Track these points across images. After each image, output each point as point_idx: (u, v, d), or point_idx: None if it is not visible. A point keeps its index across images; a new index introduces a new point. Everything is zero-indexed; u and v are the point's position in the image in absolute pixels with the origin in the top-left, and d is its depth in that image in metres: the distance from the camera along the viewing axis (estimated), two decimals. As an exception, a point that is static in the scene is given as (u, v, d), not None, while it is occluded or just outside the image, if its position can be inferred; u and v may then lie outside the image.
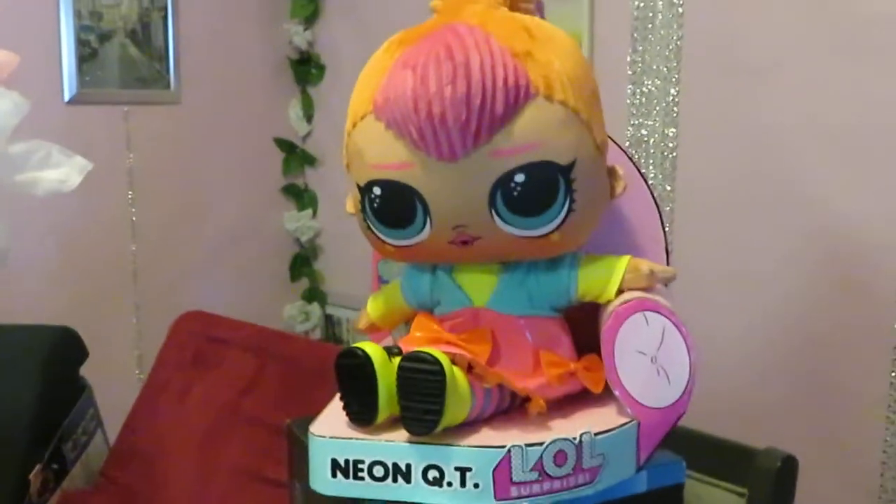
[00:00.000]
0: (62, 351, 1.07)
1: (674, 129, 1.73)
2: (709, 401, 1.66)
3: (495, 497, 0.63)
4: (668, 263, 0.79)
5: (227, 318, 1.15)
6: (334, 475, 0.66)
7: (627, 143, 1.78)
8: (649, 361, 0.67)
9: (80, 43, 1.94)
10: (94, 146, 2.03)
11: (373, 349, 0.65)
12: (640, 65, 1.77)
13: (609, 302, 0.70)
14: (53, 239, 1.98)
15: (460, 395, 0.64)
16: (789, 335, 1.59)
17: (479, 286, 0.71)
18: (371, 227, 0.69)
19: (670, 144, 1.74)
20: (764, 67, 1.57)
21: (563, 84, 0.65)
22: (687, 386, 0.67)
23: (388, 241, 0.69)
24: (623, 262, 0.70)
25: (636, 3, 1.74)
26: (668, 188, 1.76)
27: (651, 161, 1.79)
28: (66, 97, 1.95)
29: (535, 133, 0.64)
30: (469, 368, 0.66)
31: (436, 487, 0.64)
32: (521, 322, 0.70)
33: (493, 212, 0.65)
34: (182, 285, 2.18)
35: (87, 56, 1.95)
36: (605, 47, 1.82)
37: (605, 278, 0.70)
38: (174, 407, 1.03)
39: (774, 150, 1.58)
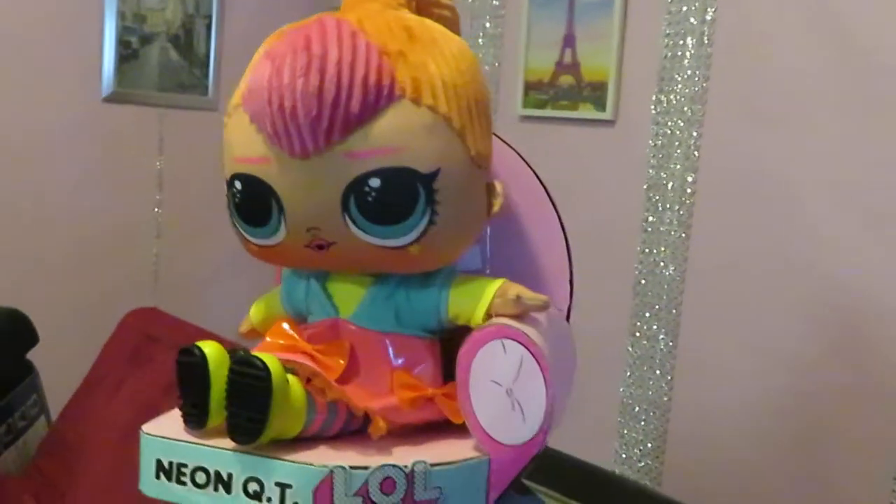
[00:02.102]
0: (6, 332, 1.08)
1: (693, 175, 1.67)
2: (713, 473, 1.58)
3: (314, 519, 0.59)
4: (571, 295, 0.74)
5: (174, 317, 1.14)
6: (158, 476, 0.63)
7: (646, 186, 1.72)
8: (504, 393, 0.62)
9: (122, 43, 1.98)
10: (127, 144, 2.08)
11: (212, 349, 0.63)
12: (664, 104, 1.71)
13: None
14: (76, 232, 2.02)
15: (292, 406, 0.60)
16: (799, 402, 1.50)
17: (347, 297, 0.68)
18: (235, 223, 0.67)
19: (688, 190, 1.68)
20: (787, 116, 1.50)
21: (435, 88, 0.61)
22: (542, 425, 0.62)
23: (251, 239, 0.66)
24: (494, 286, 0.65)
25: (666, 41, 1.69)
26: (683, 235, 1.70)
27: (668, 206, 1.72)
28: (104, 94, 2.00)
29: (395, 137, 0.60)
30: (309, 381, 0.62)
31: (255, 502, 0.60)
32: (384, 339, 0.67)
33: (347, 217, 0.62)
34: (201, 290, 2.20)
35: (127, 56, 2.00)
36: (631, 85, 1.77)
37: (474, 301, 0.65)
38: (106, 402, 1.02)
39: (793, 203, 1.50)
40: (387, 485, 0.59)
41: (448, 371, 0.68)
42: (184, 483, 0.62)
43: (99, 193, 2.04)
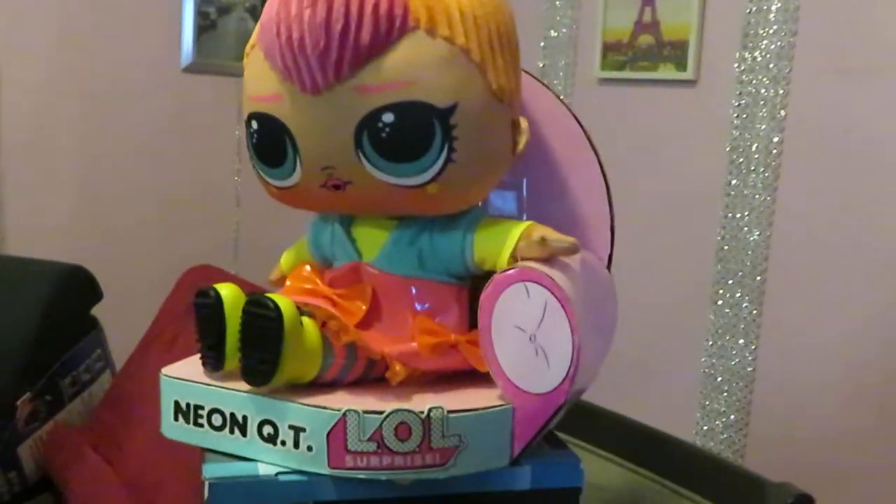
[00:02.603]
0: (69, 288, 1.10)
1: (779, 135, 1.58)
2: (800, 447, 1.51)
3: (329, 464, 0.57)
4: (612, 243, 0.70)
5: (231, 274, 1.15)
6: (176, 418, 0.63)
7: (728, 148, 1.65)
8: (528, 339, 0.59)
9: (200, 14, 2.01)
10: (206, 112, 2.12)
11: (229, 291, 0.61)
12: (748, 62, 1.63)
13: (502, 271, 0.62)
14: (157, 201, 2.07)
15: (306, 348, 0.59)
16: (890, 373, 1.41)
17: (371, 241, 0.66)
18: (255, 165, 0.65)
19: (774, 151, 1.60)
20: (880, 70, 1.40)
21: (452, 19, 0.58)
22: (568, 372, 0.58)
23: (270, 181, 0.65)
24: (519, 228, 0.62)
25: (750, -6, 1.61)
26: (769, 198, 1.62)
27: (753, 168, 1.65)
28: (183, 65, 2.03)
29: (408, 70, 0.57)
30: (325, 324, 0.61)
31: (270, 445, 0.59)
32: (407, 284, 0.64)
33: (361, 154, 0.59)
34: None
35: (205, 27, 2.03)
36: (713, 43, 1.69)
37: (499, 244, 0.62)
38: (162, 356, 1.03)
39: (885, 164, 1.41)
40: (402, 430, 0.57)
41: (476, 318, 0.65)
42: (201, 425, 0.61)
43: (179, 162, 2.08)
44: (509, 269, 0.60)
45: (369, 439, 0.57)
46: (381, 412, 0.57)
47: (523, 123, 0.63)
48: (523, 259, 0.61)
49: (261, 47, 0.61)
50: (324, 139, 0.60)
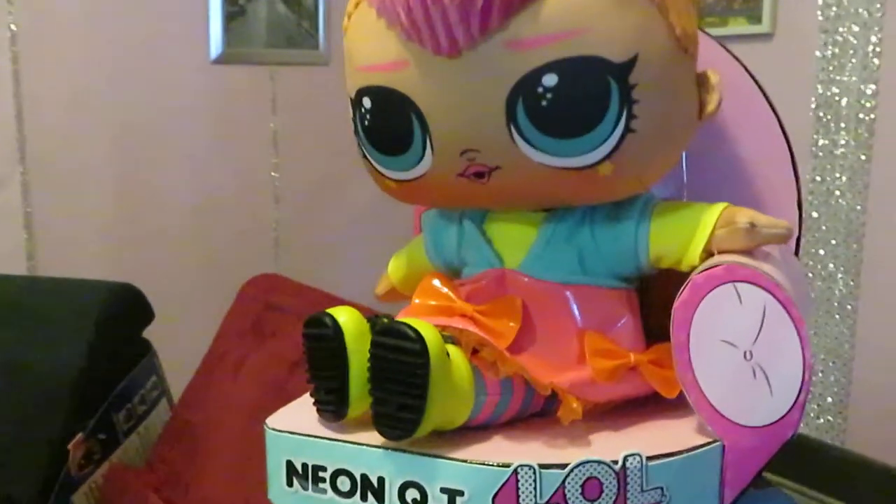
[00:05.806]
0: (119, 309, 0.98)
1: (873, 86, 1.44)
2: None
3: (496, 536, 0.44)
4: (800, 222, 0.57)
5: (297, 283, 1.02)
6: (290, 483, 0.49)
7: (814, 105, 1.51)
8: (741, 357, 0.45)
9: (228, 1, 1.89)
10: (239, 106, 1.99)
11: (348, 316, 0.48)
12: (834, 8, 1.48)
13: (693, 269, 0.49)
14: (192, 203, 1.96)
15: (457, 387, 0.45)
16: None
17: (514, 241, 0.52)
18: (366, 154, 0.52)
19: (867, 105, 1.45)
20: None
21: None
22: (798, 396, 0.45)
23: (386, 172, 0.51)
24: (713, 213, 0.48)
25: (833, -67, 1.46)
26: (863, 157, 1.48)
27: (843, 125, 1.50)
28: (212, 56, 1.91)
29: (573, 15, 0.44)
30: (475, 352, 0.47)
31: (417, 513, 0.46)
32: (566, 292, 0.50)
33: (514, 130, 0.46)
34: (323, 257, 2.09)
35: (234, 14, 1.90)
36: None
37: (687, 235, 0.48)
38: (228, 381, 0.91)
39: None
40: (591, 487, 0.43)
41: (648, 329, 0.52)
42: (323, 490, 0.48)
43: (214, 161, 1.96)
44: (711, 268, 0.46)
45: (549, 501, 0.43)
46: (563, 465, 0.43)
47: (713, 78, 0.49)
48: (721, 252, 0.47)
49: (372, 4, 0.47)
50: (465, 115, 0.46)
